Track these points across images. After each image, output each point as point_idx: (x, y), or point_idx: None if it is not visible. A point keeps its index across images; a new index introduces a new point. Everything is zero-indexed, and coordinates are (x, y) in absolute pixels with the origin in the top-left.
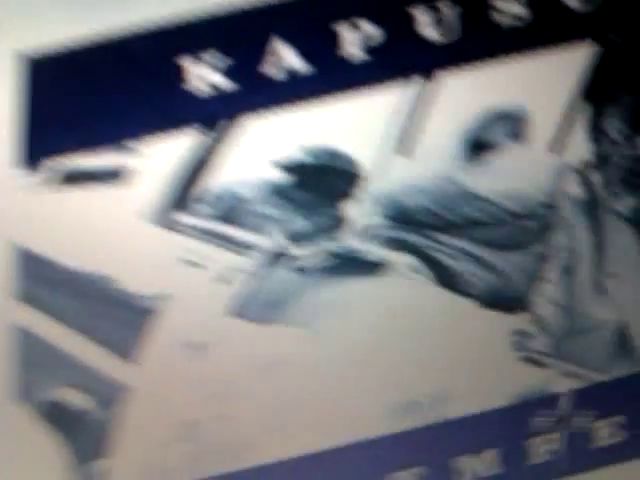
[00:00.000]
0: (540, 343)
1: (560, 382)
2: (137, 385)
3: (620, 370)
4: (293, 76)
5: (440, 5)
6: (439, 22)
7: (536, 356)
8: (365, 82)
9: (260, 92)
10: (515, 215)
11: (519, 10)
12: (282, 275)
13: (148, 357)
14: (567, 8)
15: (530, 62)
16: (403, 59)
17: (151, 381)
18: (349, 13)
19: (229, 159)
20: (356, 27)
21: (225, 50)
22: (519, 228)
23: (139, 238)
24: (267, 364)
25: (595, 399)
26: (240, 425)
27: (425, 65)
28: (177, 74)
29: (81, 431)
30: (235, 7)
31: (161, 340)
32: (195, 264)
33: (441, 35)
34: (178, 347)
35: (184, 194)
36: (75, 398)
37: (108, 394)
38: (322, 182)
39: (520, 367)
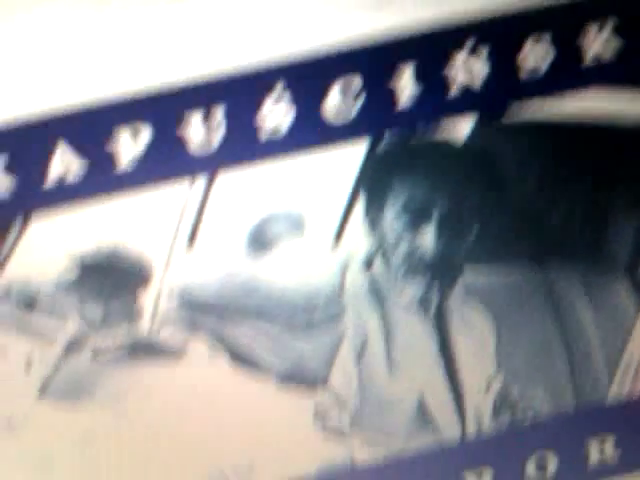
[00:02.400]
0: (339, 417)
1: (362, 453)
2: None
3: (422, 441)
4: (76, 178)
5: (213, 110)
6: (210, 126)
7: (337, 428)
8: (147, 183)
9: (51, 192)
10: (303, 307)
11: (286, 111)
12: (83, 360)
13: None
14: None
15: (307, 161)
16: (180, 160)
17: None
18: (128, 118)
19: (27, 253)
20: (137, 133)
21: (12, 151)
22: (308, 319)
23: None
24: (78, 441)
25: (399, 469)
26: None
27: (202, 166)
28: None
29: None
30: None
31: None
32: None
33: (213, 138)
34: None
35: None
36: None
37: None
38: (117, 276)
39: (322, 439)
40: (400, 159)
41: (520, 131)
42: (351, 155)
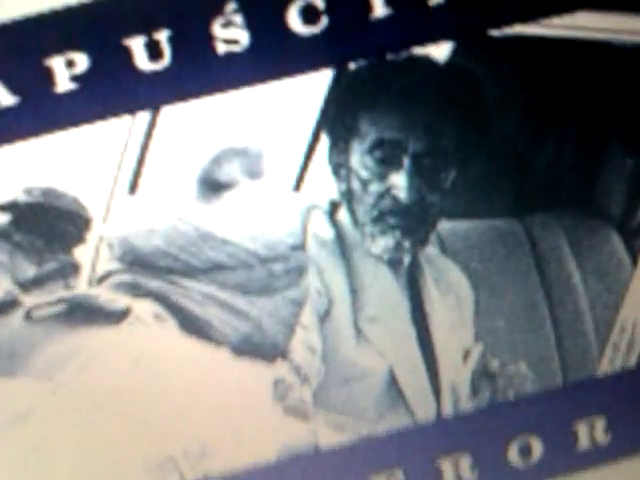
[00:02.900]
0: (301, 393)
1: (326, 434)
2: None
3: (393, 421)
4: (5, 113)
5: (156, 35)
6: (154, 53)
7: (298, 406)
8: (83, 118)
9: None
10: (262, 258)
11: (238, 35)
12: (14, 324)
13: None
14: (291, 33)
15: (264, 94)
16: (120, 92)
17: None
18: (62, 47)
19: None
20: (71, 62)
21: None
22: (268, 272)
23: None
24: (12, 417)
25: (368, 452)
26: None
27: (145, 99)
28: None
29: None
30: None
31: None
32: None
33: (157, 66)
34: None
35: None
36: None
37: None
38: (50, 225)
39: (283, 419)
40: (368, 90)
41: (506, 48)
42: (314, 87)
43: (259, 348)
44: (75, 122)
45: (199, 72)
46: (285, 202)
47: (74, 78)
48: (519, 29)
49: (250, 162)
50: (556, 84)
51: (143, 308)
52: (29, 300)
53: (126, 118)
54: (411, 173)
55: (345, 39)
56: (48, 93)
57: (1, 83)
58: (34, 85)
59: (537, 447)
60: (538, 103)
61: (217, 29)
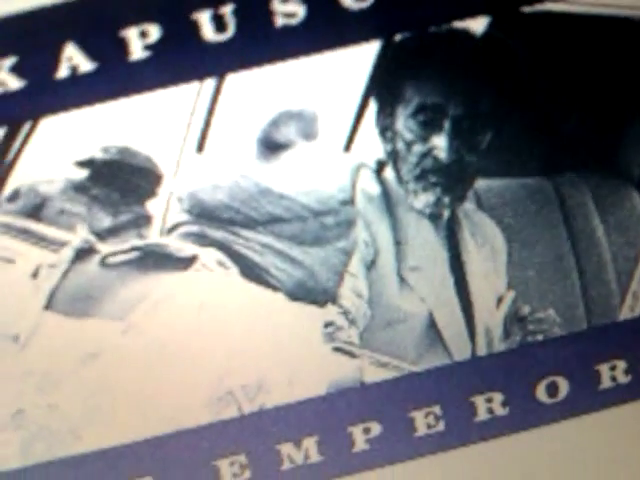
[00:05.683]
0: (348, 334)
1: (371, 372)
2: None
3: (431, 361)
4: (84, 78)
5: (221, 9)
6: (219, 26)
7: (346, 347)
8: (155, 84)
9: (56, 93)
10: (315, 212)
11: (296, 10)
12: (90, 270)
13: None
14: (343, 8)
15: (319, 63)
16: (189, 61)
17: None
18: (137, 19)
19: (32, 159)
20: (144, 33)
21: (20, 54)
22: (320, 224)
23: None
24: (85, 356)
25: (408, 388)
26: (65, 414)
27: (211, 67)
28: None
29: None
30: (27, 12)
31: None
32: (6, 260)
33: (222, 38)
34: None
35: None
36: None
37: None
38: (125, 181)
39: (332, 357)
40: (412, 59)
41: (536, 23)
42: (363, 57)
43: (311, 293)
44: (147, 87)
45: (260, 43)
46: (336, 161)
47: (147, 47)
48: (549, 6)
49: (305, 125)
50: (582, 56)
51: (208, 256)
52: (105, 248)
53: (194, 84)
54: (451, 135)
55: (392, 13)
56: (123, 61)
57: (81, 51)
58: (111, 53)
59: (563, 386)
60: (567, 73)
61: (276, 4)
